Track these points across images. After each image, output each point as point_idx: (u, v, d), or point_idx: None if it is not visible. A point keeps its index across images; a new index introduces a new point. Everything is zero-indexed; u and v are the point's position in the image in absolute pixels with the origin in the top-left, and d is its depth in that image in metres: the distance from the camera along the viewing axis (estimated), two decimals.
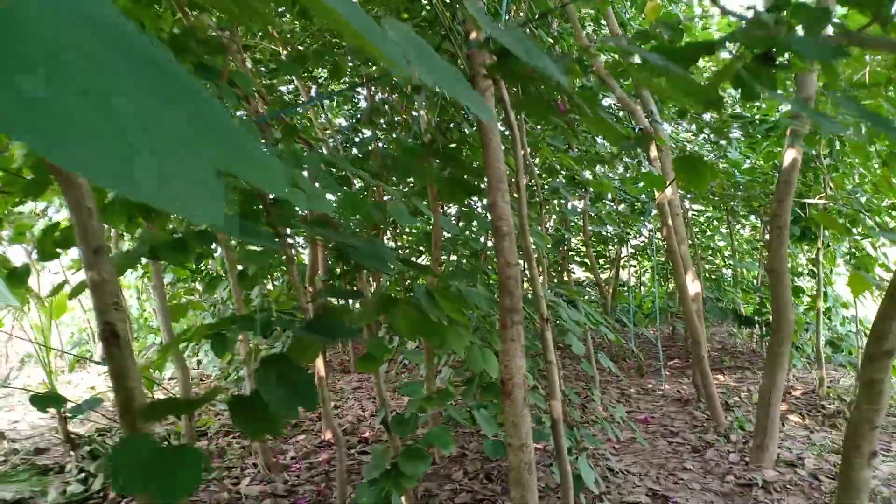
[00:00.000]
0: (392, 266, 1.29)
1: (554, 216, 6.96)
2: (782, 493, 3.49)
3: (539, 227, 4.04)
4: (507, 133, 3.22)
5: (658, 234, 7.72)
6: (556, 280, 8.67)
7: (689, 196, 8.08)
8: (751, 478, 3.69)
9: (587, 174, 4.67)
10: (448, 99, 3.56)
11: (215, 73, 2.39)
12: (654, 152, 4.64)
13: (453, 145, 3.62)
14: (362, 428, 4.89)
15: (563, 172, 4.55)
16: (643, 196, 6.75)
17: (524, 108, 1.56)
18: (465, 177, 2.35)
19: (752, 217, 9.24)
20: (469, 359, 3.07)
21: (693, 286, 5.13)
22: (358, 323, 1.44)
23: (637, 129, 4.78)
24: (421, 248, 6.20)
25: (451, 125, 3.63)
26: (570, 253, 8.54)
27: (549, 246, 4.65)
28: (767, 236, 8.07)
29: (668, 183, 4.22)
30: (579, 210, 6.65)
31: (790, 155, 3.80)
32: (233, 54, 3.11)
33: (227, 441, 4.69)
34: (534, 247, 4.55)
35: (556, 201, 6.35)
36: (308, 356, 1.24)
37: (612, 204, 7.62)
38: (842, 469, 2.22)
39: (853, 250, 5.45)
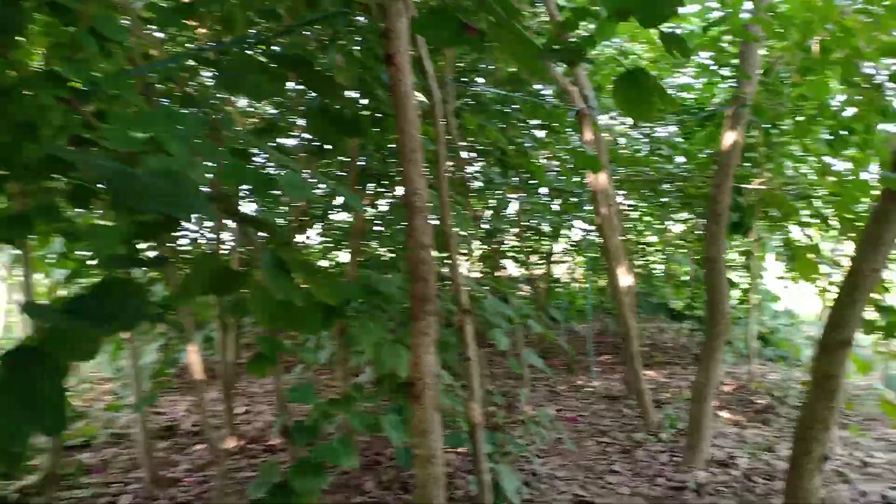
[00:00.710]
0: (195, 213, 0.90)
1: (489, 210, 6.67)
2: (715, 496, 3.26)
3: (465, 212, 3.70)
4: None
5: (592, 229, 7.54)
6: (488, 275, 8.39)
7: (623, 191, 7.91)
8: (682, 480, 3.46)
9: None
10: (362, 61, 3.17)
11: (71, 17, 1.93)
12: (588, 135, 4.37)
13: (366, 112, 3.25)
14: (270, 435, 4.44)
15: (494, 149, 4.22)
16: (578, 189, 6.53)
17: (426, 30, 1.20)
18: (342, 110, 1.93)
19: (685, 214, 9.23)
20: (376, 357, 2.70)
21: (625, 279, 4.91)
22: (175, 303, 1.04)
23: (574, 113, 4.51)
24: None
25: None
26: (504, 248, 8.29)
27: (473, 231, 4.32)
28: (701, 231, 8.02)
29: (602, 166, 3.97)
30: (515, 201, 6.39)
31: (730, 137, 3.60)
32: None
33: (113, 452, 4.16)
34: (462, 233, 4.21)
35: (490, 193, 6.07)
36: (78, 352, 0.84)
37: (548, 198, 7.38)
38: (790, 476, 1.96)
39: (788, 240, 5.36)
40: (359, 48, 3.29)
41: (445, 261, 3.24)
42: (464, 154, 4.68)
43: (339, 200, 4.85)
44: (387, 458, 3.78)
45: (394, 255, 5.09)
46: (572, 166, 6.03)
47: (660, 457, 3.87)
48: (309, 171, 4.26)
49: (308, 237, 5.75)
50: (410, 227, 2.29)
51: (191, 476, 3.74)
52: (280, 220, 5.12)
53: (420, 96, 3.53)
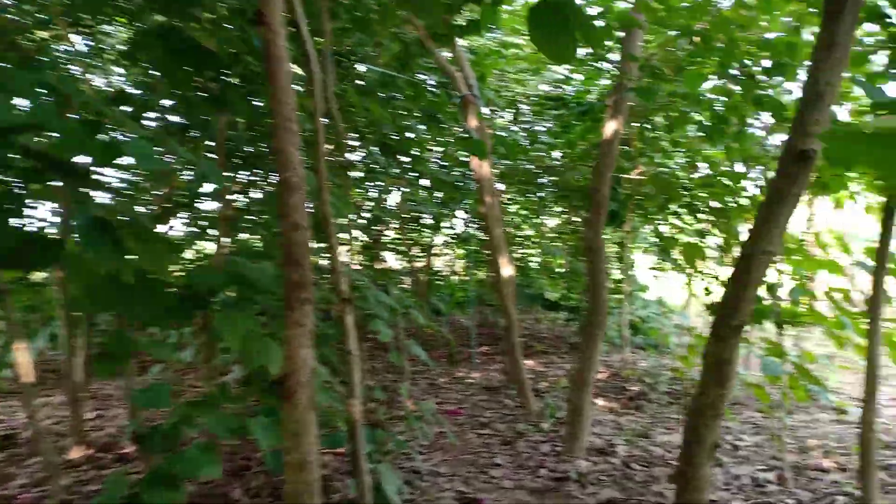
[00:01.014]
0: None
1: (370, 202, 6.46)
2: (597, 485, 3.27)
3: (346, 196, 3.47)
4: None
5: (473, 220, 7.52)
6: (368, 267, 8.19)
7: (502, 184, 7.96)
8: (564, 470, 3.45)
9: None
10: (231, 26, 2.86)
11: None
12: (473, 122, 4.28)
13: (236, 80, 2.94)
14: (123, 442, 3.98)
15: (377, 133, 4.01)
16: (460, 182, 6.46)
17: None
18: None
19: (559, 208, 9.49)
20: (244, 352, 2.43)
21: (507, 270, 4.89)
22: None
23: (458, 99, 4.41)
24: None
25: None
26: (384, 239, 8.11)
27: (354, 218, 4.09)
28: (576, 223, 8.26)
29: (487, 153, 3.89)
30: (396, 191, 6.24)
31: (611, 126, 3.62)
32: None
33: None
34: (342, 220, 3.97)
35: (372, 182, 5.86)
36: None
37: (430, 189, 7.27)
38: (681, 464, 1.93)
39: (658, 232, 5.58)
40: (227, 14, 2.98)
41: (324, 247, 3.02)
42: (345, 139, 4.44)
43: (209, 188, 4.46)
44: (256, 464, 3.49)
45: (266, 243, 4.76)
46: (456, 153, 5.95)
47: (541, 447, 3.85)
48: (168, 147, 3.87)
49: (172, 227, 5.28)
50: (284, 206, 2.06)
51: (28, 492, 3.26)
52: (141, 209, 4.65)
53: (297, 69, 3.27)
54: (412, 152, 4.37)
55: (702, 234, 3.20)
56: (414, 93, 4.29)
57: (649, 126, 5.17)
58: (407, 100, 4.36)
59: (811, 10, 2.82)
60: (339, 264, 2.57)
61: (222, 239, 3.78)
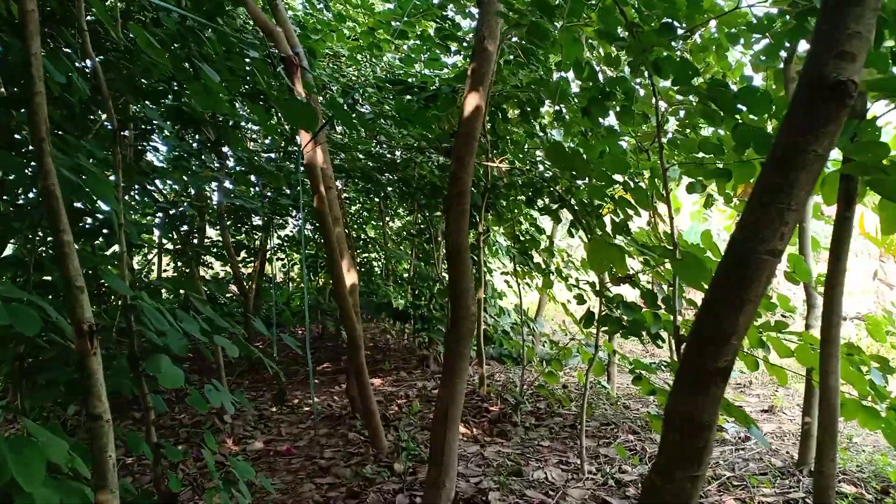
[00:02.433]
0: None
1: (182, 192, 5.30)
2: None
3: (115, 174, 2.41)
4: None
5: (308, 222, 6.57)
6: (185, 275, 6.95)
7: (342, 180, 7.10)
8: None
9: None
10: None
11: None
12: (300, 88, 3.41)
13: None
14: None
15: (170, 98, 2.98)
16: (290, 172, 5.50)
17: None
18: None
19: (401, 210, 8.79)
20: None
21: (349, 276, 4.06)
22: None
23: (281, 60, 3.50)
24: None
25: None
26: (207, 242, 6.96)
27: (121, 203, 3.01)
28: (421, 225, 7.59)
29: (317, 123, 3.03)
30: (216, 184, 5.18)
31: (472, 101, 2.92)
32: None
33: None
34: (103, 207, 2.85)
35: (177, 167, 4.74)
36: None
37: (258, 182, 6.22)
38: None
39: (512, 232, 5.03)
40: None
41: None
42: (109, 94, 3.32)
43: None
44: None
45: None
46: (281, 132, 4.99)
47: (397, 499, 3.05)
48: None
49: None
50: None
51: None
52: None
53: None
54: (220, 124, 3.38)
55: (622, 229, 2.57)
56: (225, 50, 3.31)
57: (500, 111, 4.60)
58: (212, 60, 3.37)
59: None
60: (74, 274, 1.59)
61: None
